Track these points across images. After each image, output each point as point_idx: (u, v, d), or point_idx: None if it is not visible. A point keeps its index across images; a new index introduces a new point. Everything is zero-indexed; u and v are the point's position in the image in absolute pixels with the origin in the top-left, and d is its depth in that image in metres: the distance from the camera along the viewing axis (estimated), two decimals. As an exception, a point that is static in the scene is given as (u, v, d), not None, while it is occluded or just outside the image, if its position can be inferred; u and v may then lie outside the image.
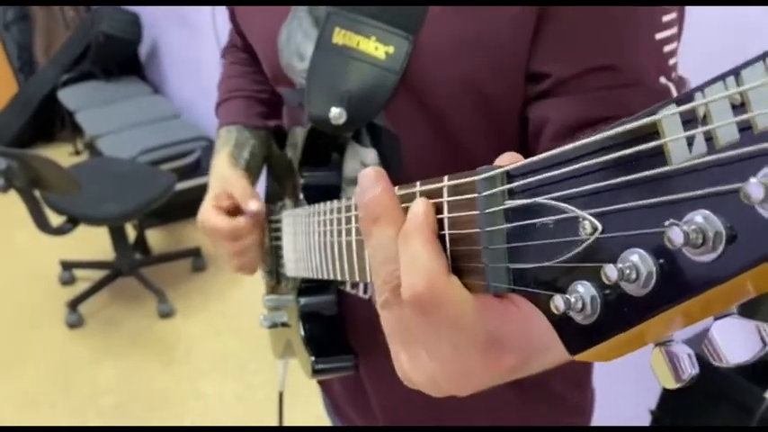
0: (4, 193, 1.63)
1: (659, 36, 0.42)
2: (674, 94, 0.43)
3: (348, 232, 0.38)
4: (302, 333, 0.61)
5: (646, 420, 1.01)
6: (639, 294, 0.17)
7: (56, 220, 1.86)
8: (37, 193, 1.75)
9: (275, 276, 0.70)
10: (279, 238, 0.65)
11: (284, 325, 0.67)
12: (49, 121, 3.26)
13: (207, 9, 2.09)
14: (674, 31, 0.43)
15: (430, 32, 0.45)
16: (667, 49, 0.43)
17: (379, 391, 0.66)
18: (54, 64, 3.14)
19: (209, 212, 0.64)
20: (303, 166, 0.56)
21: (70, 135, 3.21)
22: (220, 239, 0.64)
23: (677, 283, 0.16)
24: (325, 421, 0.85)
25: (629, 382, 1.07)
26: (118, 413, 1.78)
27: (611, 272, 0.18)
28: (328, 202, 0.43)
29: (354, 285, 0.61)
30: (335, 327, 0.62)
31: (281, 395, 0.83)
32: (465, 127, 0.48)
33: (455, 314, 0.25)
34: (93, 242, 2.33)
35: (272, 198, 0.71)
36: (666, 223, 0.16)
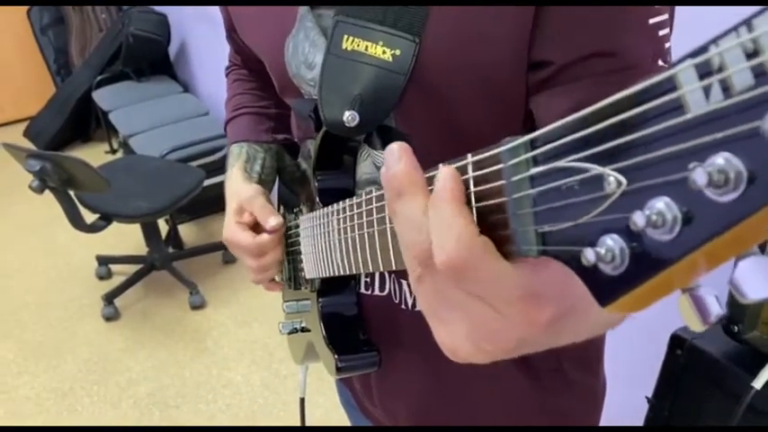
0: (41, 194, 1.68)
1: (653, 21, 0.42)
2: None
3: (370, 224, 0.39)
4: (323, 332, 0.61)
5: (643, 407, 1.01)
6: (666, 240, 0.18)
7: (90, 217, 1.92)
8: (71, 192, 1.81)
9: (294, 282, 0.71)
10: (296, 244, 0.66)
11: (303, 330, 0.68)
12: (85, 121, 3.35)
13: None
14: (665, 16, 0.43)
15: (434, 32, 0.46)
16: (661, 33, 0.43)
17: (390, 387, 0.66)
18: (88, 65, 3.22)
19: (234, 230, 0.66)
20: (318, 170, 0.57)
21: (105, 134, 3.30)
22: (245, 255, 0.67)
23: (701, 225, 0.17)
24: (342, 421, 0.85)
25: (626, 369, 1.06)
26: (152, 401, 1.83)
27: (638, 219, 0.18)
28: (347, 200, 0.44)
29: (368, 286, 0.62)
30: (356, 325, 0.63)
31: (302, 401, 0.83)
32: (474, 122, 0.49)
33: (490, 274, 0.25)
34: (129, 238, 2.40)
35: (286, 207, 0.73)
36: (690, 166, 0.17)
